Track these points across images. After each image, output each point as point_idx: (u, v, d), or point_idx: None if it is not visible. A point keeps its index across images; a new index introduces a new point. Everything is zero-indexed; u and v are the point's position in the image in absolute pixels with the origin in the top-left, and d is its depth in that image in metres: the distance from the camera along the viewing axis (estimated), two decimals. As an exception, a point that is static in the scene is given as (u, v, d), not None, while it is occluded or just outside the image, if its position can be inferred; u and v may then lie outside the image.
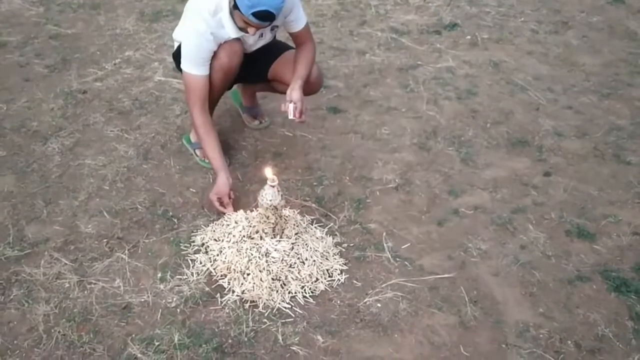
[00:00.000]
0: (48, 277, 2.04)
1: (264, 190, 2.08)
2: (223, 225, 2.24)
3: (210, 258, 2.12)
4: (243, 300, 1.99)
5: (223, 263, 2.08)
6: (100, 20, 3.89)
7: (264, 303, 1.98)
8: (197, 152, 2.63)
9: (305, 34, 2.49)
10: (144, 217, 2.32)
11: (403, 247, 2.26)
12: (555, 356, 1.87)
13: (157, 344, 1.83)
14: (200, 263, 2.11)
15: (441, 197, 2.52)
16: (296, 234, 2.17)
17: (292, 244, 2.12)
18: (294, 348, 1.85)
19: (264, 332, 1.90)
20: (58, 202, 2.37)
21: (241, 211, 2.27)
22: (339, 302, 2.03)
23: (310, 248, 2.14)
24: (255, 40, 2.46)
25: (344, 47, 3.75)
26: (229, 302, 1.99)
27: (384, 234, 2.32)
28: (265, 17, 2.14)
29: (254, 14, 2.12)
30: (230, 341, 1.86)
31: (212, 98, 2.46)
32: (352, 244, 2.26)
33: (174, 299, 1.98)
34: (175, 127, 2.87)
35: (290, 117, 2.32)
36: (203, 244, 2.18)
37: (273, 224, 2.11)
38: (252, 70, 2.56)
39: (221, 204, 2.30)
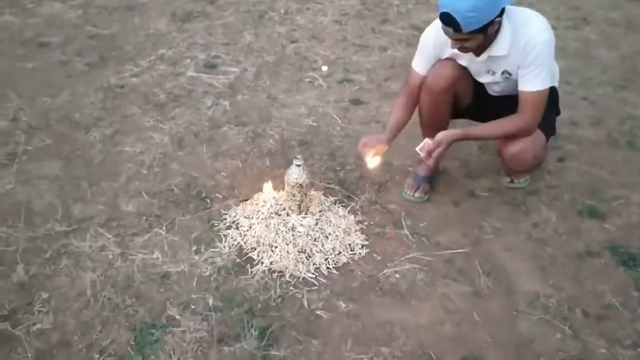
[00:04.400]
0: (94, 249, 2.23)
1: (290, 169, 2.25)
2: (252, 204, 2.40)
3: (240, 233, 2.28)
4: (271, 270, 2.15)
5: (253, 237, 2.24)
6: (135, 22, 4.11)
7: (291, 273, 2.14)
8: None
9: (527, 102, 2.15)
10: (179, 198, 2.50)
11: (421, 225, 2.40)
12: (563, 322, 1.99)
13: (193, 307, 2.00)
14: (232, 237, 2.28)
15: (459, 181, 2.65)
16: (320, 211, 2.33)
17: (317, 219, 2.28)
18: (318, 312, 2.01)
19: (290, 298, 2.06)
20: (100, 185, 2.57)
21: (269, 189, 2.43)
22: (360, 273, 2.17)
23: (334, 224, 2.29)
24: (480, 71, 2.28)
25: (366, 43, 3.91)
26: (258, 272, 2.15)
27: (403, 213, 2.46)
28: (446, 21, 1.99)
29: (440, 16, 2.01)
30: (259, 305, 2.02)
31: (427, 120, 2.44)
32: (372, 222, 2.41)
33: (208, 269, 2.15)
34: (206, 118, 3.06)
35: (417, 148, 2.25)
36: (234, 221, 2.35)
37: (299, 201, 2.28)
38: (489, 113, 2.34)
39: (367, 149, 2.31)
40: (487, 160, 2.80)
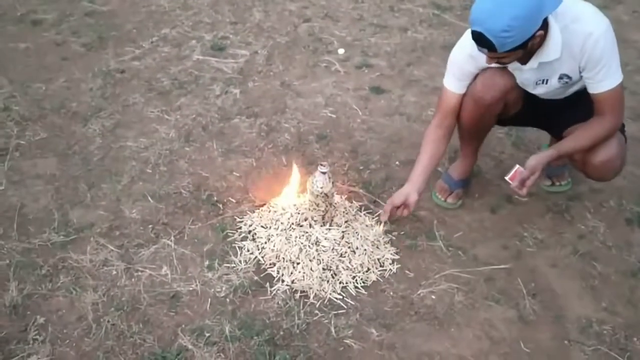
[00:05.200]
0: (95, 264, 2.00)
1: (314, 177, 2.01)
2: (270, 211, 2.17)
3: (258, 246, 2.06)
4: (293, 290, 1.93)
5: (272, 251, 2.02)
6: (135, -3, 3.82)
7: (315, 293, 1.92)
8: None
9: (604, 103, 1.88)
10: (189, 202, 2.27)
11: (455, 235, 2.18)
12: (620, 354, 1.79)
13: (207, 335, 1.79)
14: (248, 251, 2.05)
15: (493, 183, 2.42)
16: (346, 221, 2.10)
17: (343, 232, 2.05)
18: (347, 341, 1.79)
19: (315, 324, 1.84)
20: (101, 186, 2.33)
21: (288, 197, 2.19)
22: (391, 293, 1.96)
23: (361, 236, 2.07)
24: (530, 80, 1.99)
25: (385, 23, 3.63)
26: (278, 292, 1.93)
27: (435, 221, 2.23)
28: (478, 40, 1.75)
29: (472, 34, 1.77)
30: (282, 333, 1.80)
31: (468, 133, 2.19)
32: (402, 232, 2.18)
33: (223, 288, 1.93)
34: (216, 108, 2.80)
35: (506, 177, 1.98)
36: (250, 231, 2.12)
37: (323, 211, 2.05)
38: (539, 121, 2.22)
39: (396, 209, 2.07)
40: (522, 158, 2.54)
